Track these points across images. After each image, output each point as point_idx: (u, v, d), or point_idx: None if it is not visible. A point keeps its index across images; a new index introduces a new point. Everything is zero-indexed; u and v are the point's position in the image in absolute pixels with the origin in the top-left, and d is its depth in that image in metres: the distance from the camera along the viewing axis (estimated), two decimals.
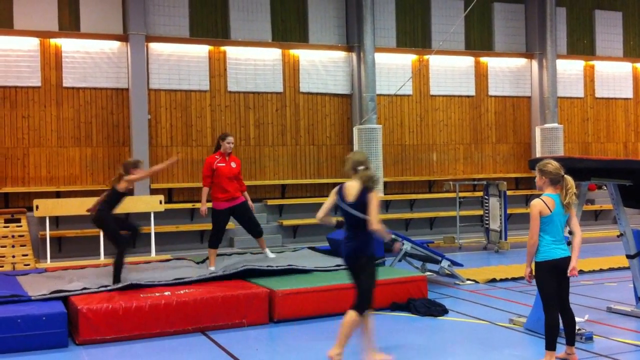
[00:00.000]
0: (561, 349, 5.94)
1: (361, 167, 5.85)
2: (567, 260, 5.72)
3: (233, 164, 9.50)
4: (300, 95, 15.82)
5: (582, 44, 18.91)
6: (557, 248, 5.70)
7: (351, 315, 5.79)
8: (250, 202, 9.74)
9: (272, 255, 9.81)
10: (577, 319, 6.49)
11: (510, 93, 18.04)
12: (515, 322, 7.39)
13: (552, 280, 5.71)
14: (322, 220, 6.09)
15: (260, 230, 9.81)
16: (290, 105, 15.71)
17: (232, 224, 13.60)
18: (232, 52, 15.16)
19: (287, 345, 6.98)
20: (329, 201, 5.98)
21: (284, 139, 15.55)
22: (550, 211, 5.68)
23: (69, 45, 13.85)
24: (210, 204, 9.50)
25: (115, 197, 8.35)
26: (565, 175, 5.78)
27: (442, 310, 8.02)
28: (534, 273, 5.86)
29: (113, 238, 8.34)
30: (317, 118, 15.96)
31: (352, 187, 5.85)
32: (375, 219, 5.76)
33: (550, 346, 5.71)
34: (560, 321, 5.84)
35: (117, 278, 8.03)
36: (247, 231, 9.86)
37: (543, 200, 5.73)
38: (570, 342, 5.93)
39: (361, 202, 5.77)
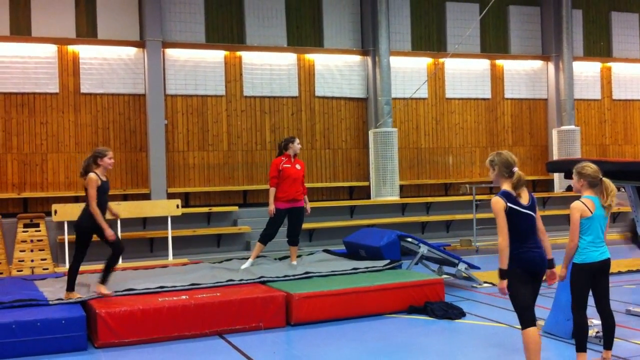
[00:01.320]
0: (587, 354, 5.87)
1: (516, 169, 5.38)
2: (605, 262, 5.71)
3: (298, 166, 9.73)
4: (315, 99, 15.85)
5: (599, 46, 18.80)
6: (596, 250, 5.68)
7: (537, 331, 5.37)
8: (308, 206, 9.95)
9: (294, 263, 9.86)
10: (594, 322, 6.46)
11: (527, 95, 17.97)
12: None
13: (588, 282, 5.68)
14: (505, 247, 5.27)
15: (297, 241, 9.95)
16: (305, 110, 15.74)
17: (248, 227, 13.73)
18: (248, 57, 15.23)
19: (304, 349, 6.99)
20: (504, 219, 5.22)
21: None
22: (591, 213, 5.67)
23: (86, 52, 13.98)
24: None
25: None
26: (604, 178, 5.75)
27: (459, 313, 8.00)
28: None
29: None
30: (332, 122, 15.98)
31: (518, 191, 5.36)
32: (543, 228, 5.48)
33: (581, 348, 5.67)
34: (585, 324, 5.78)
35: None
36: (287, 234, 9.94)
37: (584, 203, 5.70)
38: (608, 346, 5.87)
39: (534, 205, 5.39)
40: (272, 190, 9.61)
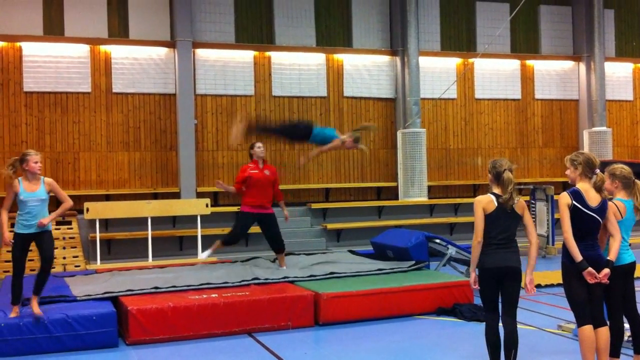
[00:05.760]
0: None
1: (598, 171, 5.44)
2: (632, 264, 5.66)
3: (267, 172, 9.58)
4: (344, 99, 15.86)
5: (631, 46, 18.54)
6: (625, 253, 5.63)
7: (608, 331, 5.45)
8: (285, 212, 9.83)
9: (284, 268, 9.65)
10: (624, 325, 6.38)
11: (557, 96, 17.79)
12: (564, 328, 7.29)
13: (620, 285, 5.62)
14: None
15: (281, 247, 9.67)
16: (334, 110, 15.76)
17: None
18: (277, 57, 15.28)
19: (333, 348, 7.01)
20: (566, 215, 5.35)
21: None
22: (622, 217, 5.63)
23: (118, 52, 14.14)
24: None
25: None
26: (637, 180, 5.73)
27: None
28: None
29: None
30: (361, 122, 15.96)
31: (591, 191, 5.42)
32: (618, 229, 5.48)
33: (615, 353, 5.63)
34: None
35: None
36: (268, 244, 9.83)
37: (616, 205, 5.66)
38: (638, 350, 5.80)
39: (603, 209, 5.43)
40: (232, 190, 9.75)
